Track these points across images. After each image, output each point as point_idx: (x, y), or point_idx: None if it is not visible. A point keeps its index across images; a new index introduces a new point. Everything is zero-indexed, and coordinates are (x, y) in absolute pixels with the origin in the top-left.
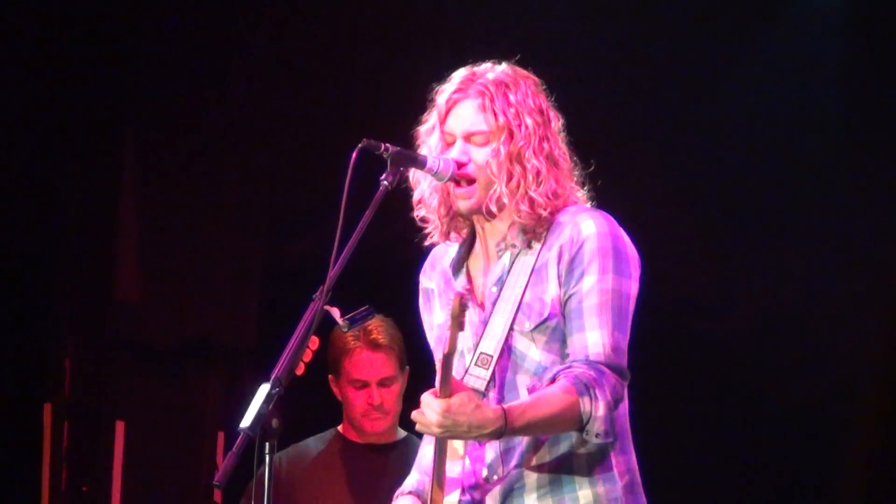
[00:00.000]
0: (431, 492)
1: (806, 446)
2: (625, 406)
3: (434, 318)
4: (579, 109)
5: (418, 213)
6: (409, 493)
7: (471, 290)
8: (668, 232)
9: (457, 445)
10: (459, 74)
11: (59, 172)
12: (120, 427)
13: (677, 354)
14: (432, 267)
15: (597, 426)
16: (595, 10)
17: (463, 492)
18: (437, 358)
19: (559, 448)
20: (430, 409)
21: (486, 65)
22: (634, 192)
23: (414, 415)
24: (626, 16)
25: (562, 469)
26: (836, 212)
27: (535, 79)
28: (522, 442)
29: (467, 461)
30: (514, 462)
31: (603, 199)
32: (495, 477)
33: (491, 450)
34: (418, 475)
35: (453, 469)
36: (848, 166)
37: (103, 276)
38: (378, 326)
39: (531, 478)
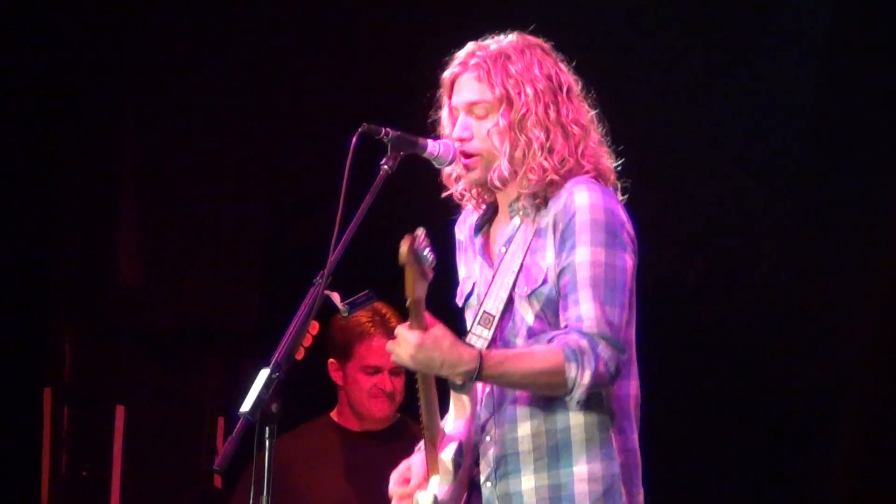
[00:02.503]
0: (426, 450)
1: (803, 432)
2: (629, 386)
3: (460, 271)
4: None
5: (456, 188)
6: None
7: (485, 247)
8: (668, 218)
9: (465, 402)
10: (465, 49)
11: (59, 158)
12: (120, 412)
13: (675, 340)
14: (463, 221)
15: (579, 394)
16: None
17: (458, 450)
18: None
19: (556, 420)
20: (405, 341)
21: (494, 37)
22: (635, 175)
23: (389, 345)
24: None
25: (559, 442)
26: (836, 200)
27: (545, 45)
28: (517, 407)
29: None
30: (507, 426)
31: None
32: (488, 438)
33: (485, 409)
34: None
35: (456, 426)
36: (846, 156)
37: (103, 261)
38: (395, 315)
39: (526, 446)
